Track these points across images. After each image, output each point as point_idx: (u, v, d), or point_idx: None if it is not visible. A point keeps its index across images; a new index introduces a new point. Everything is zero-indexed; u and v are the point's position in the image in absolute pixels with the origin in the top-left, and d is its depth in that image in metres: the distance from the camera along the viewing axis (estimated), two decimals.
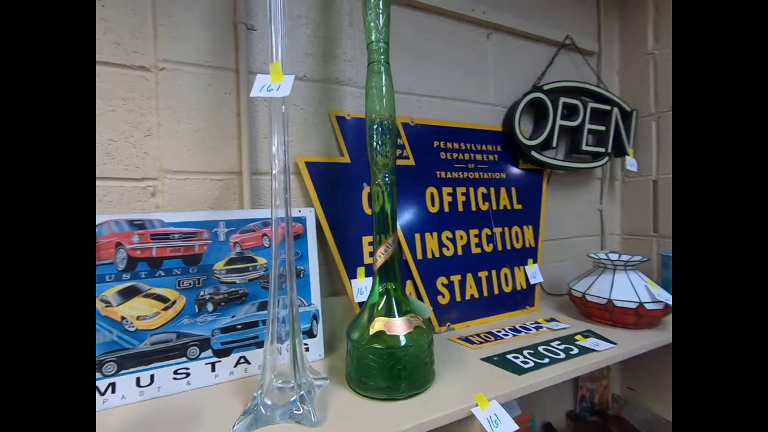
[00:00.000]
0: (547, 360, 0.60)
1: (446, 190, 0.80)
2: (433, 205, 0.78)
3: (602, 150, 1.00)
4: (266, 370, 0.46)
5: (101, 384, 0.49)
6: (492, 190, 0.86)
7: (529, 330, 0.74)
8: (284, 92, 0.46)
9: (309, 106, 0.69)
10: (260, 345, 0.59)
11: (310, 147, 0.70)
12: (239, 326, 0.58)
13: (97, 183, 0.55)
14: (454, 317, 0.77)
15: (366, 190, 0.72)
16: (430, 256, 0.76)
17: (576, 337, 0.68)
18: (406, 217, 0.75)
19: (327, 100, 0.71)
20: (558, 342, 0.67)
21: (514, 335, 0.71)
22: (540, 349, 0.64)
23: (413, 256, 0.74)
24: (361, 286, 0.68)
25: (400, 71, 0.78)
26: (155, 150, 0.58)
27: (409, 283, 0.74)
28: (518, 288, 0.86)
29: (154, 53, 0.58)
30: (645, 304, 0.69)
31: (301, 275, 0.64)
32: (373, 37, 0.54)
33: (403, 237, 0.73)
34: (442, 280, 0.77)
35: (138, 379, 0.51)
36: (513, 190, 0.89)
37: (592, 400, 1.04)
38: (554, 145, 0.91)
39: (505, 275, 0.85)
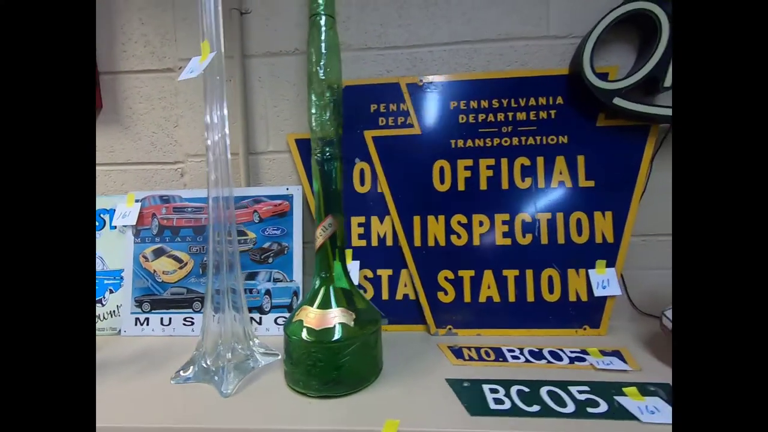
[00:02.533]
0: (537, 407, 0.41)
1: (463, 162, 0.63)
2: (442, 182, 0.64)
3: None
4: (205, 333, 0.51)
5: (141, 317, 0.67)
6: (540, 160, 0.62)
7: (562, 360, 0.52)
8: (198, 70, 0.46)
9: (301, 81, 0.67)
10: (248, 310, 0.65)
11: (303, 124, 0.68)
12: (230, 291, 0.66)
13: (146, 167, 0.72)
14: (459, 321, 0.63)
15: (358, 165, 0.65)
16: (432, 243, 0.63)
17: (626, 390, 0.44)
18: (402, 195, 0.64)
19: None
20: (588, 388, 0.45)
21: (530, 361, 0.52)
22: (549, 389, 0.45)
23: (409, 243, 0.63)
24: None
25: (407, 19, 0.65)
26: (181, 137, 0.71)
27: (404, 272, 0.65)
28: (572, 299, 0.61)
29: (176, 54, 0.68)
30: None
31: (285, 252, 0.66)
32: None
33: (398, 219, 0.64)
34: (446, 273, 0.63)
35: (161, 319, 0.66)
36: (580, 159, 0.62)
37: None
38: (669, 83, 0.57)
39: (550, 279, 0.62)
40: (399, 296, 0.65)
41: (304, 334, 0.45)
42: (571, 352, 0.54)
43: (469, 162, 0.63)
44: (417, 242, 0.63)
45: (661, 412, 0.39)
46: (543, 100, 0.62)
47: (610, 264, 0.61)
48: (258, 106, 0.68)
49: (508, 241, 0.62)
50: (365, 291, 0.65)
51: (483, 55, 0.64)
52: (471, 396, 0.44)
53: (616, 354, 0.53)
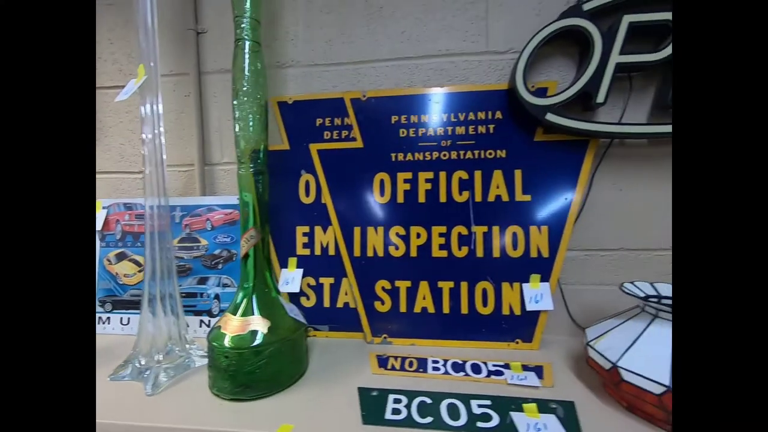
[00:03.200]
0: (430, 419, 0.43)
1: (403, 176, 0.65)
2: (382, 194, 0.66)
3: None
4: (140, 335, 0.55)
5: (103, 316, 0.71)
6: (478, 174, 0.63)
7: (480, 373, 0.53)
8: (131, 92, 0.50)
9: None
10: (198, 313, 0.69)
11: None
12: (183, 294, 0.70)
13: (114, 176, 0.77)
14: (394, 330, 0.64)
15: (303, 177, 0.68)
16: (371, 254, 0.65)
17: (525, 407, 0.44)
18: (344, 206, 0.66)
19: (270, 87, 0.70)
20: (489, 402, 0.46)
21: (448, 373, 0.53)
22: (450, 402, 0.46)
23: (349, 253, 0.66)
24: (289, 277, 0.67)
25: (351, 37, 0.67)
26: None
27: (345, 281, 0.67)
28: (505, 312, 0.62)
29: None
30: None
31: (234, 259, 0.69)
32: (236, 11, 0.50)
33: (339, 229, 0.66)
34: (383, 284, 0.65)
35: (121, 319, 0.71)
36: (518, 174, 0.62)
37: None
38: (601, 99, 0.57)
39: (484, 291, 0.62)
40: (340, 304, 0.67)
41: (220, 341, 0.48)
42: (494, 365, 0.55)
43: (409, 175, 0.65)
44: (357, 252, 0.66)
45: (548, 430, 0.40)
46: (482, 114, 0.63)
47: (545, 278, 0.61)
48: (213, 119, 0.72)
49: (444, 254, 0.63)
50: (308, 298, 0.68)
51: (424, 70, 0.66)
52: (373, 405, 0.45)
53: (537, 369, 0.53)
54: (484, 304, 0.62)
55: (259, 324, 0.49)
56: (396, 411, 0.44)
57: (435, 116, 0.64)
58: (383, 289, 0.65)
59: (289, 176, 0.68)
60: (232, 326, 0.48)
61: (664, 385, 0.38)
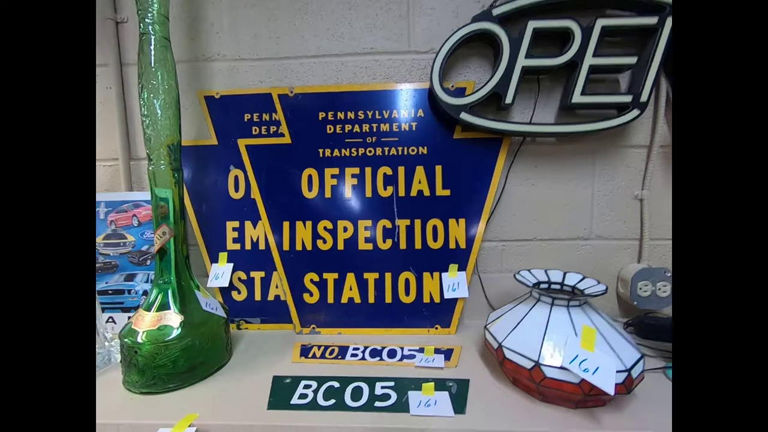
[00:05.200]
0: (332, 401, 0.46)
1: (330, 171, 0.67)
2: (310, 189, 0.67)
3: (628, 100, 0.59)
4: None
5: None
6: (401, 170, 0.66)
7: (394, 357, 0.57)
8: None
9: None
10: (126, 309, 0.68)
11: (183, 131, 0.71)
12: (110, 291, 0.69)
13: None
14: (322, 320, 0.67)
15: (232, 173, 0.68)
16: (299, 248, 0.67)
17: (424, 386, 0.48)
18: (273, 201, 0.67)
19: (196, 81, 0.69)
20: (393, 384, 0.49)
21: (365, 359, 0.57)
22: (356, 385, 0.49)
23: (278, 247, 0.67)
24: (219, 271, 0.68)
25: (277, 32, 0.67)
26: None
27: (275, 274, 0.68)
28: (426, 300, 0.66)
29: None
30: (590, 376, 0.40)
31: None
32: (138, 5, 0.49)
33: (268, 223, 0.67)
34: (311, 276, 0.67)
35: None
36: (438, 169, 0.66)
37: None
38: (509, 100, 0.60)
39: (407, 281, 0.66)
40: (271, 297, 0.69)
41: (131, 337, 0.48)
42: (409, 350, 0.59)
43: (336, 171, 0.67)
44: (286, 246, 0.67)
45: (437, 406, 0.44)
46: (405, 112, 0.66)
47: (462, 268, 0.65)
48: (136, 113, 0.70)
49: (369, 246, 0.66)
50: (239, 292, 0.69)
51: (350, 68, 0.67)
52: (282, 392, 0.48)
53: (447, 352, 0.58)
54: (407, 293, 0.66)
55: (171, 319, 0.49)
56: (303, 396, 0.47)
57: (361, 113, 0.66)
58: (312, 281, 0.67)
59: (218, 171, 0.68)
60: (145, 322, 0.49)
61: (533, 360, 0.42)
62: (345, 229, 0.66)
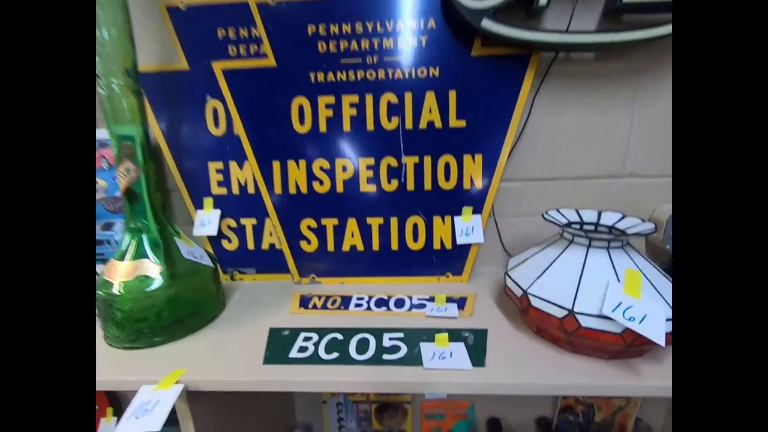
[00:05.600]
0: (336, 355, 0.41)
1: (325, 100, 0.57)
2: (302, 122, 0.57)
3: None
4: None
5: None
6: (408, 97, 0.56)
7: (402, 307, 0.52)
8: None
9: (137, 5, 0.57)
10: (105, 260, 0.62)
11: (142, 55, 0.59)
12: None
13: None
14: (322, 269, 0.61)
15: (210, 104, 0.58)
16: (293, 191, 0.59)
17: (437, 336, 0.43)
18: (260, 138, 0.58)
19: None
20: (402, 335, 0.45)
21: (370, 309, 0.52)
22: (362, 337, 0.44)
23: (269, 190, 0.59)
24: (205, 218, 0.61)
25: None
26: None
27: (268, 221, 0.61)
28: (436, 247, 0.59)
29: None
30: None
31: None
32: None
33: (256, 164, 0.59)
34: (308, 222, 0.60)
35: None
36: (452, 95, 0.55)
37: (588, 415, 0.71)
38: (542, 2, 0.48)
39: (415, 226, 0.59)
40: (265, 246, 0.62)
41: (106, 289, 0.42)
42: (418, 299, 0.54)
43: (331, 99, 0.56)
44: (278, 189, 0.59)
45: (453, 359, 0.39)
46: (413, 23, 0.54)
47: (477, 210, 0.58)
48: None
49: (372, 188, 0.58)
50: (230, 241, 0.62)
51: None
52: (280, 345, 0.43)
53: (460, 301, 0.53)
54: (415, 239, 0.59)
55: (149, 269, 0.43)
56: (303, 349, 0.42)
57: (359, 26, 0.54)
58: (309, 228, 0.60)
59: (193, 103, 0.58)
60: (118, 272, 0.43)
61: (566, 309, 0.37)
62: (344, 169, 0.58)
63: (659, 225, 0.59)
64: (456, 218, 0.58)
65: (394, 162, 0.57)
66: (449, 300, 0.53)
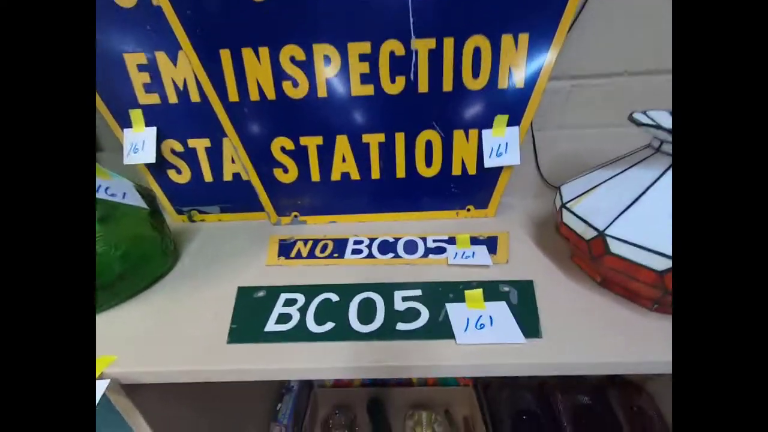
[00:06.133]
0: (331, 325, 0.29)
1: None
2: None
3: None
4: None
5: None
6: None
7: (416, 252, 0.40)
8: None
9: None
10: None
11: None
12: None
13: None
14: (306, 206, 0.47)
15: None
16: (255, 96, 0.41)
17: (468, 294, 0.31)
18: (195, 11, 0.38)
19: None
20: (420, 293, 0.33)
21: (372, 256, 0.39)
22: (365, 297, 0.32)
23: (221, 96, 0.41)
24: (135, 140, 0.44)
25: None
26: None
27: (225, 142, 0.45)
28: (456, 173, 0.45)
29: None
30: None
31: None
32: None
33: (195, 55, 0.39)
34: (282, 142, 0.44)
35: None
36: None
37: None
38: None
39: (429, 145, 0.44)
40: (227, 176, 0.47)
41: None
42: (434, 241, 0.41)
43: None
44: (233, 95, 0.41)
45: (494, 327, 0.28)
46: None
47: (514, 121, 0.42)
48: None
49: (369, 90, 0.41)
50: (179, 171, 0.47)
51: None
52: (251, 313, 0.31)
53: (490, 242, 0.40)
54: (428, 162, 0.44)
55: None
56: (284, 318, 0.30)
57: None
58: (283, 149, 0.44)
59: None
60: None
61: (665, 255, 0.24)
62: (326, 60, 0.40)
63: None
64: (485, 132, 0.42)
65: (399, 48, 0.39)
66: (474, 241, 0.40)
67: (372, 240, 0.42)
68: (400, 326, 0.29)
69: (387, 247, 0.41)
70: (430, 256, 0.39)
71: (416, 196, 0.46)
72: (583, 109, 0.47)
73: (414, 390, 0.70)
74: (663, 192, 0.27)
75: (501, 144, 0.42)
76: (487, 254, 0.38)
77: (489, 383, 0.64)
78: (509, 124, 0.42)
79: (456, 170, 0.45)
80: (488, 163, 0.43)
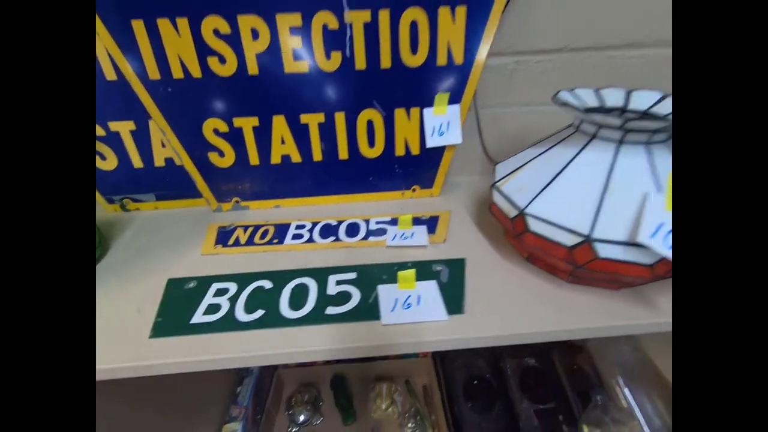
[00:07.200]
0: (260, 313, 0.29)
1: None
2: None
3: None
4: None
5: None
6: None
7: (356, 235, 0.39)
8: None
9: None
10: None
11: None
12: None
13: None
14: (247, 191, 0.45)
15: None
16: (178, 74, 0.38)
17: (401, 275, 0.32)
18: None
19: None
20: (355, 275, 0.33)
21: (312, 241, 0.39)
22: (298, 282, 0.32)
23: (139, 74, 0.38)
24: None
25: None
26: None
27: (152, 124, 0.42)
28: (399, 153, 0.44)
29: None
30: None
31: None
32: None
33: (104, 26, 0.35)
34: (214, 124, 0.41)
35: None
36: None
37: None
38: None
39: (370, 125, 0.42)
40: (159, 161, 0.44)
41: None
42: (377, 222, 0.41)
43: None
44: (153, 72, 0.38)
45: (420, 306, 0.29)
46: None
47: (455, 99, 0.41)
48: None
49: (303, 66, 0.39)
50: (104, 157, 0.43)
51: None
52: (179, 305, 0.30)
53: (430, 222, 0.41)
54: (371, 143, 0.44)
55: None
56: (212, 309, 0.30)
57: None
58: (217, 132, 0.41)
59: None
60: None
61: (582, 235, 0.26)
62: (254, 34, 0.37)
63: None
64: (426, 111, 0.42)
65: (332, 21, 0.37)
66: (416, 221, 0.41)
67: (315, 224, 0.42)
68: (330, 310, 0.29)
69: (329, 231, 0.40)
70: (370, 238, 0.39)
71: (361, 177, 0.46)
72: (528, 85, 0.47)
73: (376, 364, 0.72)
74: (579, 170, 0.28)
75: (443, 123, 0.42)
76: (426, 234, 0.38)
77: (445, 354, 0.67)
78: (451, 102, 0.41)
79: (399, 150, 0.44)
80: (430, 142, 0.43)
